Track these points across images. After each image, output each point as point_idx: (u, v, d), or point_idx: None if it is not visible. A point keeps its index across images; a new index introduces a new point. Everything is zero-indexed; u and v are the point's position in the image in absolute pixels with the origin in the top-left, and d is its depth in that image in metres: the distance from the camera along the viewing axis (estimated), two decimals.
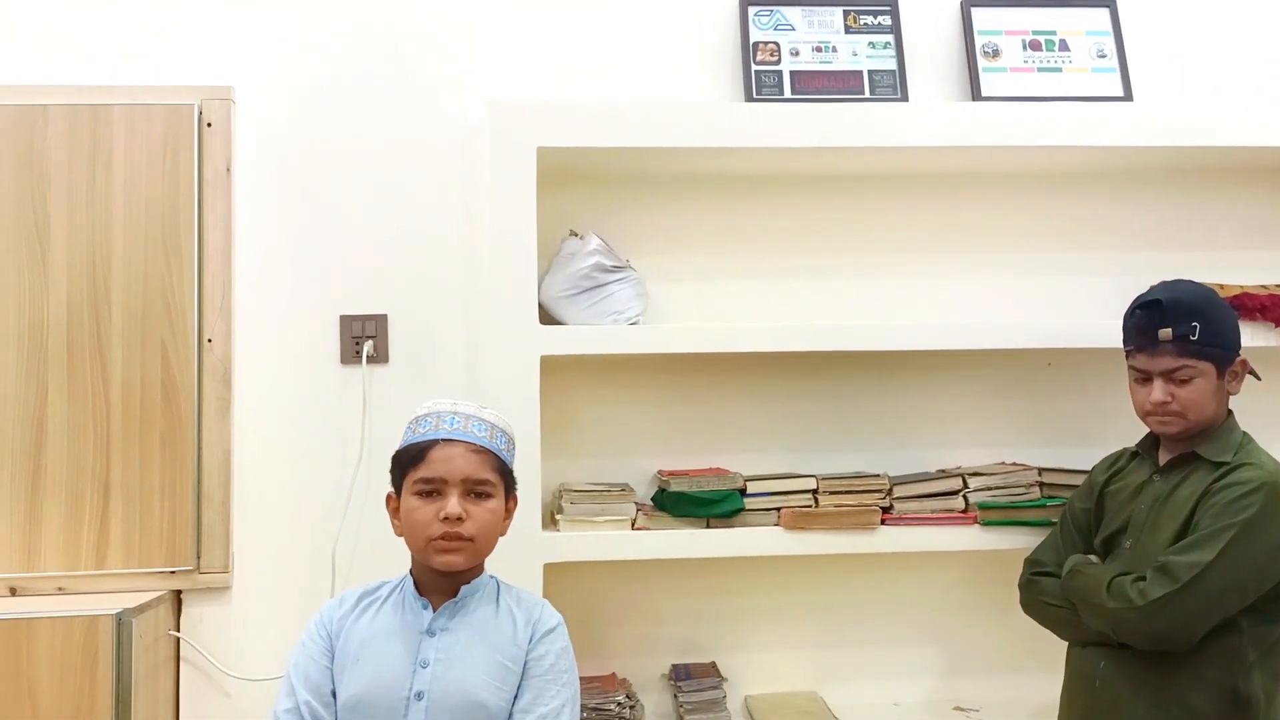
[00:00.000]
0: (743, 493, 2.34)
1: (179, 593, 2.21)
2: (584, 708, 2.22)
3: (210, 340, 2.22)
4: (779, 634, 2.52)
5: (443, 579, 1.68)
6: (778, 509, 2.33)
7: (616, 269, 2.33)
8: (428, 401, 1.72)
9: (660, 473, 2.43)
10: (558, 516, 2.32)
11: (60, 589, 2.15)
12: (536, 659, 1.65)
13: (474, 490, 1.65)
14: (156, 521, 2.17)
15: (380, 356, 2.29)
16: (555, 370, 2.37)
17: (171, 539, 2.17)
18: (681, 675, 2.43)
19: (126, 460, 2.17)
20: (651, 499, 2.43)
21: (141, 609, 2.03)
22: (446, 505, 1.62)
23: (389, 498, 1.72)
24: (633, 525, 2.32)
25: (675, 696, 2.41)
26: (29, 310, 2.16)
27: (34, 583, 2.14)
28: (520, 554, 2.18)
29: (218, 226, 2.24)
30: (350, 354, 2.28)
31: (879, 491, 2.34)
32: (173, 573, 2.18)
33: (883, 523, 2.31)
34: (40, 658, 1.93)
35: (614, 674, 2.44)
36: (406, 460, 1.67)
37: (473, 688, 1.60)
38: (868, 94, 2.46)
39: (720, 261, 2.50)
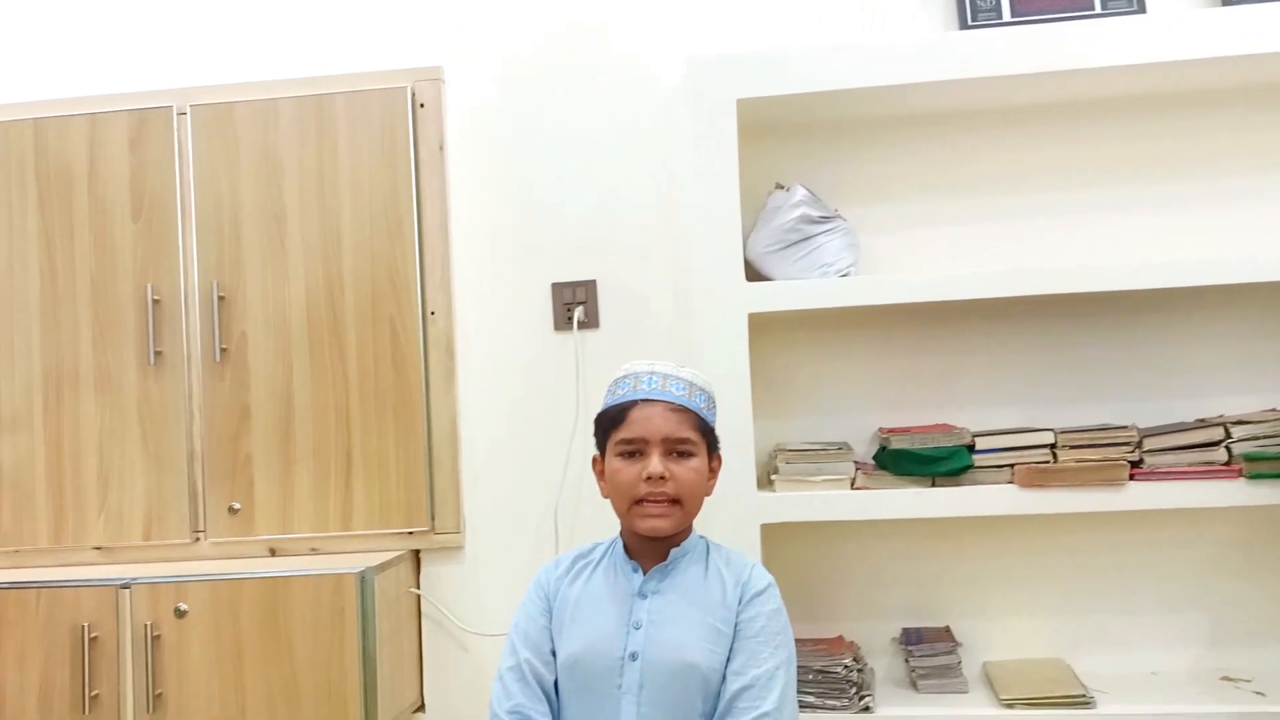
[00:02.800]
0: (971, 449, 2.22)
1: (418, 553, 2.34)
2: (810, 670, 2.18)
3: (433, 313, 2.32)
4: (1019, 598, 2.37)
5: (652, 542, 1.67)
6: (1011, 465, 2.19)
7: (824, 219, 2.24)
8: (626, 363, 1.72)
9: (881, 430, 2.34)
10: (773, 477, 2.27)
11: (313, 549, 2.32)
12: (747, 621, 1.63)
13: (675, 449, 1.64)
14: (394, 486, 2.30)
15: (591, 322, 2.31)
16: (766, 328, 2.32)
17: (408, 502, 2.30)
18: (913, 639, 2.33)
19: (365, 430, 2.31)
20: (872, 458, 2.34)
21: (382, 567, 2.16)
22: (649, 465, 1.62)
23: (594, 460, 1.73)
24: (852, 485, 2.24)
25: (907, 660, 2.33)
26: (273, 294, 2.33)
27: (290, 544, 2.32)
28: (736, 515, 2.16)
29: (434, 203, 2.33)
30: (562, 320, 2.32)
31: (1127, 444, 2.15)
32: (410, 534, 2.30)
33: (1131, 478, 2.13)
34: (295, 613, 2.09)
35: (840, 636, 2.37)
36: (607, 422, 1.68)
37: (684, 650, 1.60)
38: (1098, 9, 2.24)
39: (938, 206, 2.37)
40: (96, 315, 2.37)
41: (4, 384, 2.38)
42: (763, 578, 1.68)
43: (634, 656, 1.60)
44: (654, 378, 1.67)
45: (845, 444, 2.30)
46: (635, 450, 1.64)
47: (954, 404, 2.37)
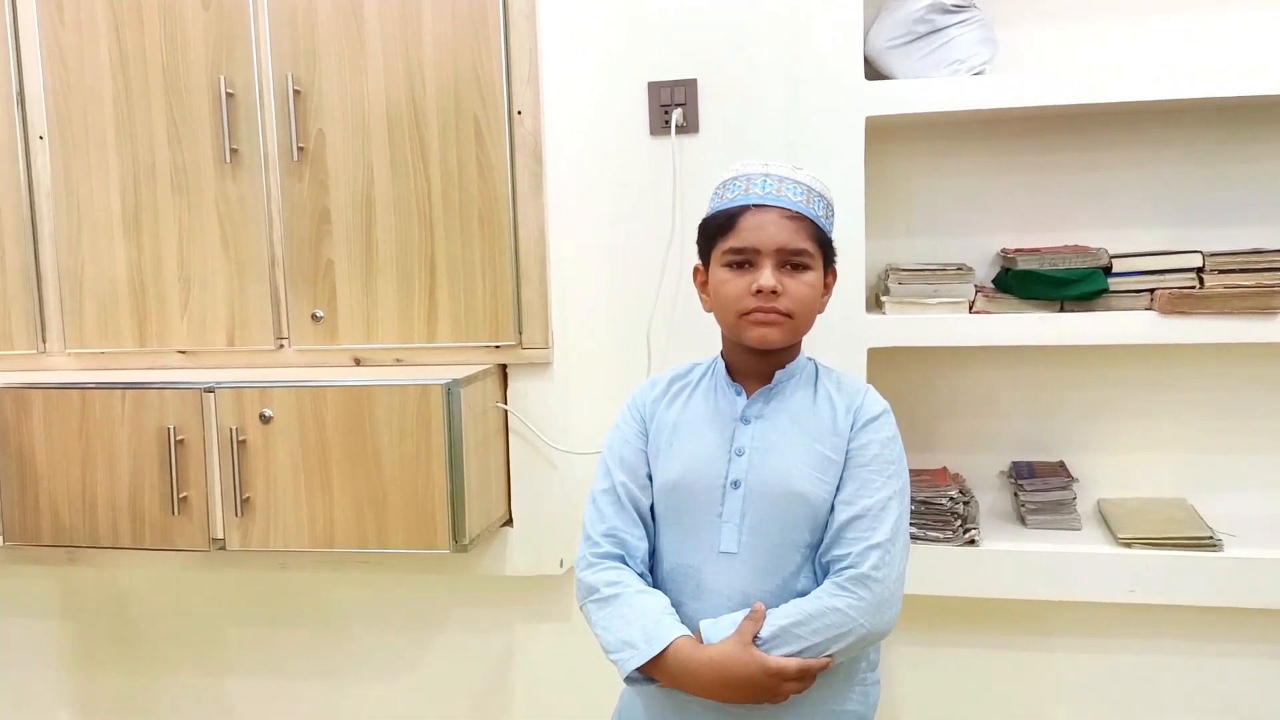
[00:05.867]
0: (1107, 271, 2.04)
1: (504, 367, 2.25)
2: (913, 500, 2.07)
3: (520, 112, 2.15)
4: (1142, 434, 2.22)
5: (756, 362, 1.54)
6: (1151, 290, 2.01)
7: (958, 9, 1.99)
8: (736, 163, 1.54)
9: (1004, 251, 2.14)
10: (883, 298, 2.11)
11: (398, 360, 2.24)
12: (859, 448, 1.50)
13: (789, 261, 1.48)
14: (480, 297, 2.19)
15: (690, 126, 2.12)
16: (883, 135, 2.11)
17: (494, 314, 2.19)
18: (1023, 473, 2.21)
19: (449, 237, 2.18)
20: (993, 280, 2.16)
21: (469, 380, 2.08)
22: (759, 277, 1.46)
23: (696, 270, 1.59)
24: (970, 308, 2.08)
25: (1015, 495, 2.21)
26: (350, 89, 2.17)
27: (375, 354, 2.25)
28: (841, 338, 2.02)
29: None
30: (659, 124, 2.13)
31: None
32: (497, 347, 2.21)
33: None
34: (380, 422, 2.03)
35: (945, 468, 2.26)
36: (714, 229, 1.52)
37: (791, 478, 1.48)
38: None
39: None
40: (170, 109, 2.24)
41: (82, 181, 2.29)
42: (877, 403, 1.54)
43: (736, 485, 1.50)
44: (768, 180, 1.49)
45: (965, 265, 2.12)
46: (745, 261, 1.48)
47: (1089, 224, 2.17)
